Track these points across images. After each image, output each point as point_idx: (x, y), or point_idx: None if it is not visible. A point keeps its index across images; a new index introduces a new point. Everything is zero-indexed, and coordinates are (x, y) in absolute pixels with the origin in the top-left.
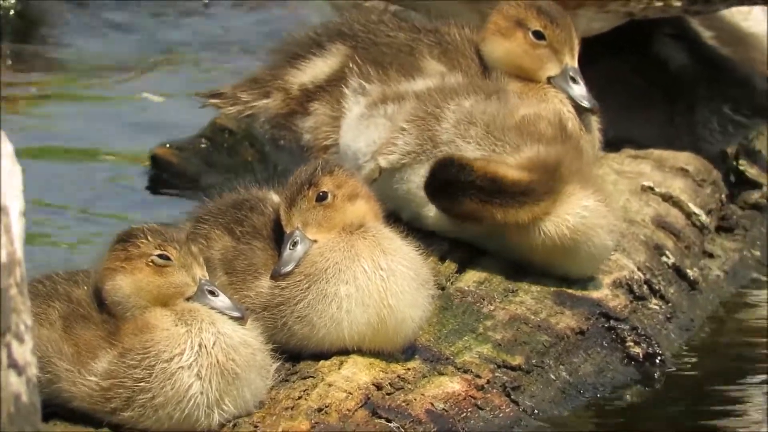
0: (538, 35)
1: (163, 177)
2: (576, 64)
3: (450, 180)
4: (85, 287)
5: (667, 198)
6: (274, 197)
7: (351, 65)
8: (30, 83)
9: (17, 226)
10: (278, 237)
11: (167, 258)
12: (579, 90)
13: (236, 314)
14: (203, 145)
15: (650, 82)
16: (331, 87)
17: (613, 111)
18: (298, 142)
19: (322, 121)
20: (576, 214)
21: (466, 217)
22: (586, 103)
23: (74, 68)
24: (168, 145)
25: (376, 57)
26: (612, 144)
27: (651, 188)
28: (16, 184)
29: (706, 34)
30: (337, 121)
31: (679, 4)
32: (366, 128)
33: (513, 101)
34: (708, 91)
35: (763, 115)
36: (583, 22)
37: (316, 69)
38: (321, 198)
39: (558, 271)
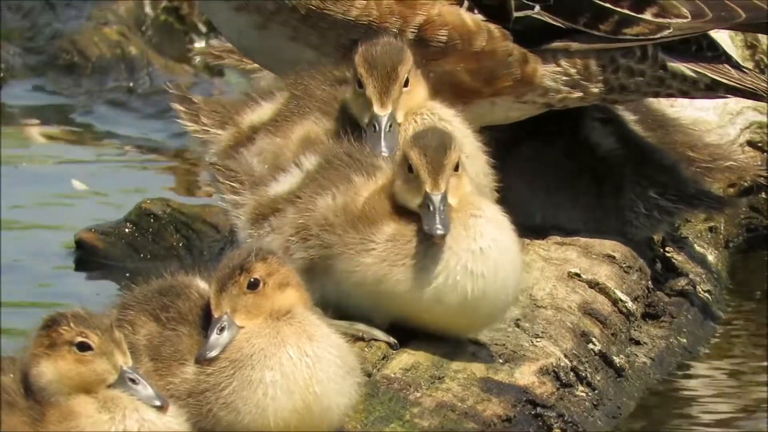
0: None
1: (89, 261)
2: (384, 112)
3: None
4: (11, 374)
5: (594, 285)
6: (200, 283)
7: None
8: None
9: None
10: (204, 323)
11: (88, 346)
12: (383, 140)
13: (156, 403)
14: (128, 230)
15: (579, 166)
16: (273, 123)
17: (541, 195)
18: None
19: (265, 148)
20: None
21: None
22: (385, 152)
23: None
24: (93, 230)
25: (319, 107)
26: (539, 230)
27: (577, 275)
28: None
29: (632, 118)
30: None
31: (596, 91)
32: None
33: (358, 182)
34: (635, 176)
35: (689, 203)
36: (501, 111)
37: (261, 111)
38: (252, 285)
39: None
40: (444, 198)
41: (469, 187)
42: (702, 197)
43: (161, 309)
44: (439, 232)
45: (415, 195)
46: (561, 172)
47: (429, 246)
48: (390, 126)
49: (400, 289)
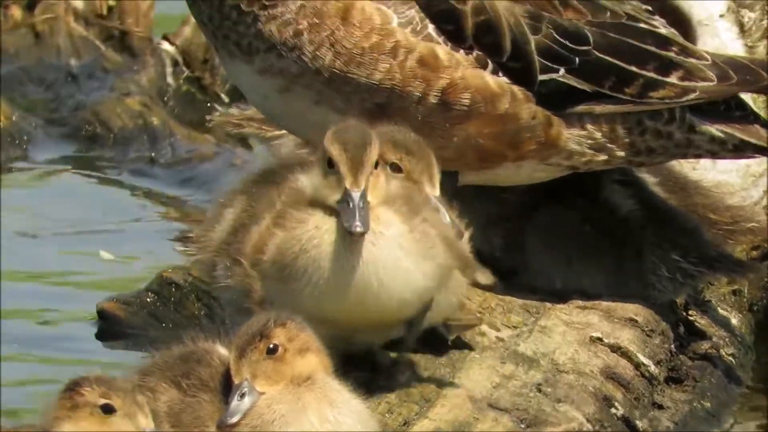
0: (395, 168)
1: (111, 330)
2: (437, 192)
3: None
4: None
5: (616, 349)
6: (221, 349)
7: None
8: None
9: None
10: (225, 389)
11: (111, 408)
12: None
13: None
14: (149, 299)
15: (599, 229)
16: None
17: (562, 260)
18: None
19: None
20: None
21: None
22: (358, 228)
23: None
24: (115, 300)
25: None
26: (560, 294)
27: (599, 339)
28: None
29: (652, 180)
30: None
31: (622, 154)
32: None
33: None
34: (656, 238)
35: (711, 266)
36: (526, 171)
37: (224, 222)
38: (272, 351)
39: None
40: (363, 195)
41: (384, 190)
42: (724, 261)
43: (182, 375)
44: (358, 229)
45: (334, 191)
46: (581, 237)
47: (294, 261)
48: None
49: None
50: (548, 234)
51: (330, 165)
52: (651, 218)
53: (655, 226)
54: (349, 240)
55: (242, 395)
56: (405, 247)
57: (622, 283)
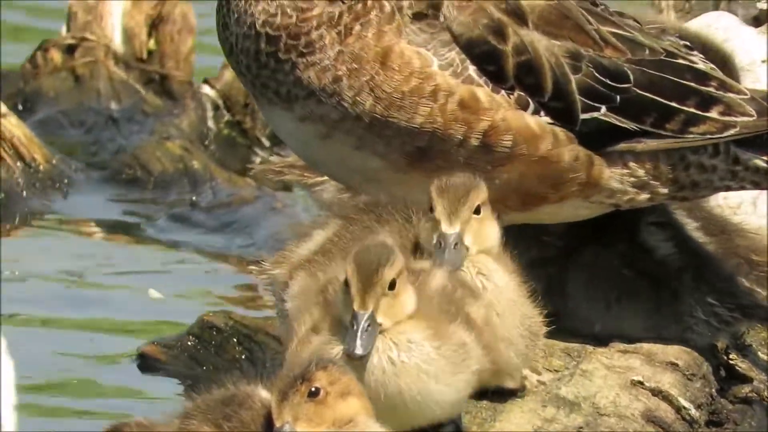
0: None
1: (151, 374)
2: (452, 230)
3: None
4: None
5: (657, 392)
6: (263, 393)
7: None
8: None
9: (9, 421)
10: None
11: None
12: (447, 255)
13: None
14: (190, 343)
15: (637, 271)
16: (317, 256)
17: (601, 303)
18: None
19: (301, 290)
20: None
21: None
22: (448, 267)
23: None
24: (156, 343)
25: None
26: (601, 338)
27: (641, 383)
28: (7, 378)
29: (693, 225)
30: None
31: (666, 190)
32: None
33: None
34: (693, 281)
35: (744, 313)
36: (569, 209)
37: (311, 242)
38: (313, 394)
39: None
40: (371, 317)
41: (410, 309)
42: (758, 310)
43: (224, 418)
44: (357, 352)
45: (348, 310)
46: (620, 280)
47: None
48: (456, 245)
49: None
50: (588, 276)
51: (346, 283)
52: (688, 261)
53: (692, 269)
54: (350, 363)
55: None
56: (431, 371)
57: (661, 325)
